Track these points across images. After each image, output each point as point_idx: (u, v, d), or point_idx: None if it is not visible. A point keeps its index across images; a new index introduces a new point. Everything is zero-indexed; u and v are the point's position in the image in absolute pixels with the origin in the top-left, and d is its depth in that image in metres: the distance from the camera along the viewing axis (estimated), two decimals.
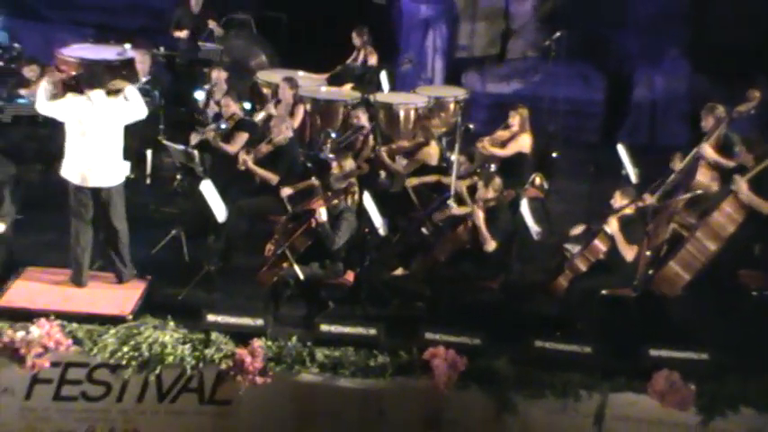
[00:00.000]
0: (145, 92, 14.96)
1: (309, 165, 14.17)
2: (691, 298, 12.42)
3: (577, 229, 12.64)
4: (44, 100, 12.03)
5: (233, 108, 14.50)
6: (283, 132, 13.85)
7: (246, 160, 13.56)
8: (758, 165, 12.52)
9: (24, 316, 11.29)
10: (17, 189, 12.40)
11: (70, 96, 12.18)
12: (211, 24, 17.37)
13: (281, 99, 15.11)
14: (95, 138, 11.96)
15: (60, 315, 11.32)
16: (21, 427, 11.22)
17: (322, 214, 11.96)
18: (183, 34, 17.34)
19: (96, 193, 12.04)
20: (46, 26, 18.81)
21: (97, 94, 12.05)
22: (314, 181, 13.36)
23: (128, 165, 12.27)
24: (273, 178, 13.47)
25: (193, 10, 17.40)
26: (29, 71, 15.44)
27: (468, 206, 12.69)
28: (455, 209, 12.70)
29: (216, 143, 14.29)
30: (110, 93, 12.29)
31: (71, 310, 11.55)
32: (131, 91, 12.32)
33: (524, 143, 14.46)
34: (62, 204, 12.41)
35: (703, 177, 13.04)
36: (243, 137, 14.17)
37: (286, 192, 13.17)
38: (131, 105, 12.24)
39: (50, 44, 17.06)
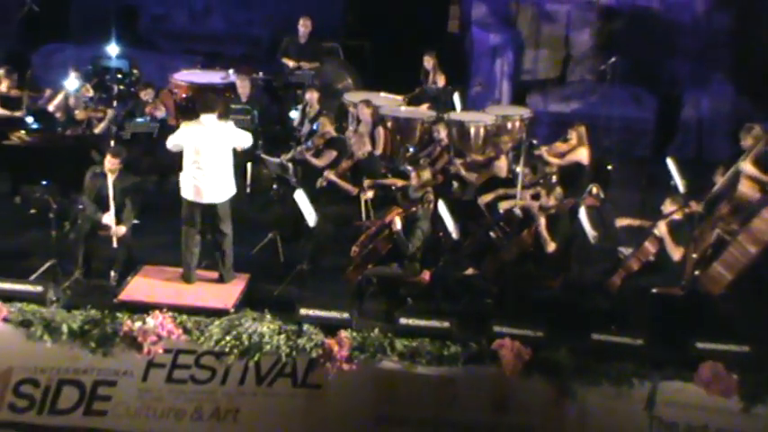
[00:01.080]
0: (245, 111, 15.12)
1: (390, 176, 14.20)
2: (733, 296, 12.31)
3: (624, 221, 12.76)
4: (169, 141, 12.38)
5: (328, 128, 14.58)
6: (363, 149, 13.92)
7: (329, 174, 13.65)
8: None
9: (141, 308, 11.46)
10: (136, 197, 12.56)
11: (185, 125, 12.39)
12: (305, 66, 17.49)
13: (361, 119, 15.17)
14: (208, 158, 12.15)
15: (172, 308, 11.47)
16: (138, 406, 11.35)
17: (397, 224, 12.08)
18: (290, 63, 17.45)
19: (207, 206, 12.23)
20: (160, 55, 19.02)
21: (209, 118, 12.23)
22: (397, 180, 13.40)
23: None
24: (353, 190, 13.53)
25: (300, 41, 17.52)
26: (145, 94, 15.63)
27: (532, 210, 12.69)
28: (519, 212, 12.70)
29: (304, 157, 14.38)
30: (220, 117, 12.49)
31: (181, 303, 11.72)
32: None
33: (582, 155, 14.50)
34: (174, 210, 12.59)
35: (745, 189, 13.05)
36: (332, 154, 14.27)
37: (367, 183, 13.19)
38: (239, 133, 12.47)
39: (164, 70, 17.24)
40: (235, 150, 12.49)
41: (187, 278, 12.36)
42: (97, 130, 14.82)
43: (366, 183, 13.27)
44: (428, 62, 16.89)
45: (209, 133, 12.22)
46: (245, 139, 12.58)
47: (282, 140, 15.17)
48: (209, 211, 12.28)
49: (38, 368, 11.37)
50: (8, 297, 11.49)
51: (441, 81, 16.79)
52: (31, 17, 18.26)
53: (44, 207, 13.05)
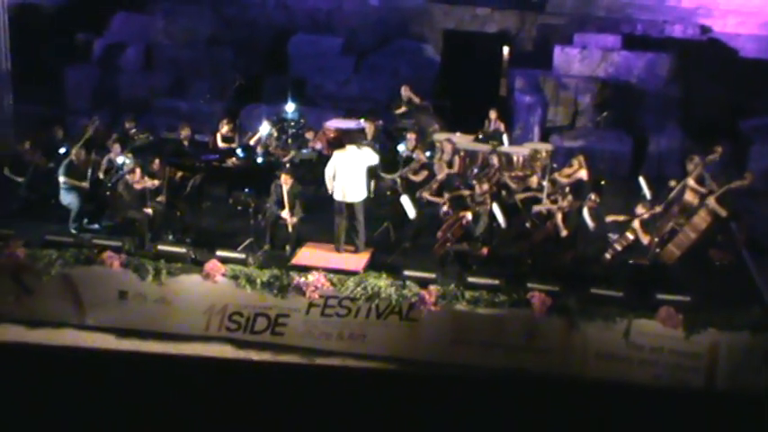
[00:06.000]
0: (371, 146, 15.04)
1: (461, 187, 13.99)
2: (681, 265, 12.14)
3: (611, 218, 12.49)
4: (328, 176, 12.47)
5: (421, 156, 14.43)
6: (442, 173, 13.75)
7: (424, 195, 13.43)
8: (720, 189, 12.60)
9: (306, 269, 11.54)
10: (302, 199, 12.59)
11: (336, 152, 12.54)
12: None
13: (444, 151, 14.98)
14: (350, 173, 12.28)
15: (324, 269, 11.53)
16: (303, 330, 11.51)
17: (468, 217, 12.02)
18: (400, 111, 17.36)
19: (348, 204, 12.26)
20: (319, 109, 19.01)
21: (351, 147, 12.46)
22: (464, 192, 13.19)
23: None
24: (440, 201, 13.17)
25: (404, 98, 17.39)
26: (309, 135, 15.65)
27: (552, 209, 12.47)
28: (544, 211, 12.54)
29: (407, 175, 14.24)
30: (359, 146, 12.62)
31: (330, 266, 11.70)
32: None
33: (582, 175, 14.19)
34: (325, 208, 12.56)
35: (689, 197, 12.97)
36: (424, 173, 14.08)
37: (446, 197, 12.97)
38: (371, 157, 12.62)
39: (321, 119, 17.24)
40: (367, 169, 12.58)
41: (337, 248, 12.35)
42: (282, 159, 14.85)
43: (444, 198, 13.01)
44: (493, 114, 16.60)
45: (351, 157, 12.35)
46: (372, 158, 12.69)
47: (393, 164, 15.02)
48: (350, 207, 12.29)
49: (242, 305, 11.54)
50: (224, 260, 11.65)
51: (502, 127, 16.55)
52: (241, 88, 18.44)
53: (246, 205, 13.15)
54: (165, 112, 18.84)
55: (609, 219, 12.52)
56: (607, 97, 19.16)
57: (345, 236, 12.51)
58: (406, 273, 11.45)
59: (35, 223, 12.75)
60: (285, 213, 12.30)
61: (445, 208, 12.80)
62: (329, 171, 12.45)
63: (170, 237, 12.65)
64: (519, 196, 13.38)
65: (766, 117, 18.24)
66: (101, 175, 13.36)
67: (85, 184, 12.98)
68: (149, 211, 12.40)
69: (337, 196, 12.36)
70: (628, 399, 10.61)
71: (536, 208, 12.67)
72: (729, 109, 18.68)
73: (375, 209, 13.63)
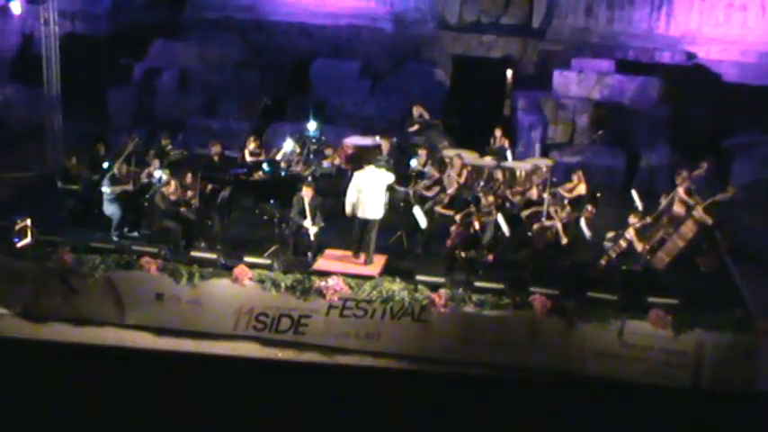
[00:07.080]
0: (386, 161, 15.03)
1: (469, 198, 13.96)
2: (670, 271, 12.15)
3: (610, 234, 12.36)
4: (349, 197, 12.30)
5: (434, 172, 14.40)
6: (452, 187, 13.71)
7: (438, 209, 13.34)
8: (705, 201, 12.63)
9: (325, 274, 11.54)
10: (322, 210, 12.57)
11: (356, 173, 12.42)
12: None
13: (453, 165, 14.93)
14: (370, 191, 12.17)
15: (343, 274, 11.53)
16: (323, 329, 11.50)
17: (476, 226, 11.95)
18: (413, 129, 17.34)
19: (365, 219, 12.21)
20: (338, 127, 18.98)
21: (370, 167, 12.40)
22: (471, 208, 13.16)
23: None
24: (452, 213, 13.01)
25: (415, 116, 17.38)
26: (328, 151, 15.62)
27: (553, 220, 12.43)
28: (546, 221, 12.48)
29: (420, 191, 14.20)
30: (377, 166, 12.58)
31: (348, 271, 11.69)
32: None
33: (581, 189, 14.16)
34: (342, 218, 12.52)
35: (677, 208, 13.00)
36: (436, 188, 14.05)
37: (458, 216, 12.92)
38: (388, 177, 12.52)
39: (339, 137, 17.22)
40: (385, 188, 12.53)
41: (356, 255, 12.25)
42: (302, 172, 14.84)
43: (457, 217, 12.93)
44: (497, 132, 16.59)
45: (369, 177, 12.25)
46: (389, 178, 12.59)
47: (406, 178, 14.99)
48: (367, 222, 12.21)
49: (268, 306, 11.57)
50: (252, 266, 11.67)
51: (505, 144, 16.51)
52: (267, 108, 18.46)
53: (271, 216, 13.15)
54: (197, 130, 18.92)
55: (609, 235, 12.43)
56: (602, 117, 19.12)
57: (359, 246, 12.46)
58: (418, 277, 11.45)
59: (81, 231, 12.86)
60: (307, 223, 12.29)
61: (458, 219, 12.78)
62: (351, 192, 12.29)
63: (202, 244, 12.69)
64: (524, 212, 13.34)
65: (747, 135, 18.23)
66: (145, 179, 13.48)
67: (130, 187, 13.10)
68: (183, 210, 12.50)
69: (358, 213, 12.24)
70: (621, 393, 10.63)
71: (536, 226, 12.60)
72: (713, 128, 18.65)
73: (389, 218, 13.64)
